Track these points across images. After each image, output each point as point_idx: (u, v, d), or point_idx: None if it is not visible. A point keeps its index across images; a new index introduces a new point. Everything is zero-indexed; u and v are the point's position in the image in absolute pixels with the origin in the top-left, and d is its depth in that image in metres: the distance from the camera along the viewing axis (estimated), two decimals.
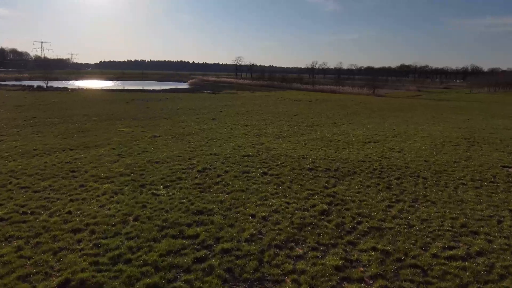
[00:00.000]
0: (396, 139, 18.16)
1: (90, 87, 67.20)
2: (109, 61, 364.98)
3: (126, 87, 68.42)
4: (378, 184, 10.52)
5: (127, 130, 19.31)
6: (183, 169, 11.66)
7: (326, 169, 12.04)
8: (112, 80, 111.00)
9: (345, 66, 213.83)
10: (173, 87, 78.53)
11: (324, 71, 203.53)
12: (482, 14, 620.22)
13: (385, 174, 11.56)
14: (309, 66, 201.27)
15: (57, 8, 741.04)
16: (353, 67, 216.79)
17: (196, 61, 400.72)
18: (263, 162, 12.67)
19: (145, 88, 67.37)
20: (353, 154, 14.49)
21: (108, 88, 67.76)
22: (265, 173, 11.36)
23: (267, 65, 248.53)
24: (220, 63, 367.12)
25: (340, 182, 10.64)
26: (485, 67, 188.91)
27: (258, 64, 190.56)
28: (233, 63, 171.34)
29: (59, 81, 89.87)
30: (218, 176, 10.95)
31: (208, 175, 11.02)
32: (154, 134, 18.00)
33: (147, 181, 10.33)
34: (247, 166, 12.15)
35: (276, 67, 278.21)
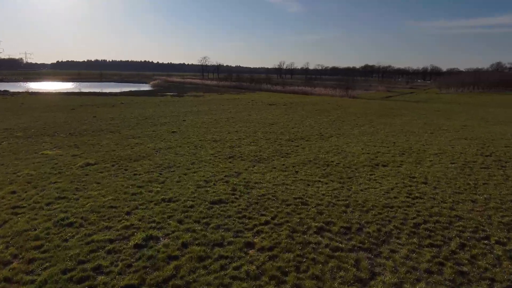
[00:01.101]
0: (407, 160, 14.23)
1: (38, 90, 59.30)
2: (67, 61, 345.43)
3: (82, 90, 61.25)
4: (442, 265, 6.30)
5: (52, 154, 14.13)
6: (111, 240, 6.90)
7: (343, 229, 7.69)
8: (67, 81, 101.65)
9: (311, 66, 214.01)
10: (133, 89, 71.67)
11: (292, 71, 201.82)
12: (436, 17, 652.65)
13: (438, 236, 7.38)
14: (277, 66, 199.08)
15: (8, 3, 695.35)
16: (320, 67, 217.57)
17: (160, 61, 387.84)
18: (244, 217, 8.14)
19: (103, 90, 60.51)
20: (368, 190, 10.30)
21: (58, 91, 60.22)
22: (250, 246, 6.84)
23: (234, 65, 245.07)
24: (186, 63, 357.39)
25: (378, 263, 6.33)
26: (443, 67, 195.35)
27: (225, 64, 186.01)
28: (199, 63, 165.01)
29: (5, 83, 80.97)
30: (170, 259, 6.30)
31: (153, 257, 6.34)
32: (87, 161, 12.99)
33: (33, 282, 5.54)
34: (219, 227, 7.58)
35: (243, 67, 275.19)
